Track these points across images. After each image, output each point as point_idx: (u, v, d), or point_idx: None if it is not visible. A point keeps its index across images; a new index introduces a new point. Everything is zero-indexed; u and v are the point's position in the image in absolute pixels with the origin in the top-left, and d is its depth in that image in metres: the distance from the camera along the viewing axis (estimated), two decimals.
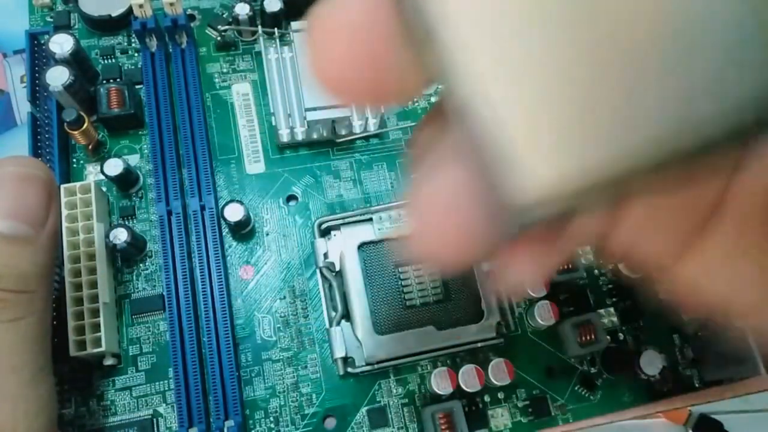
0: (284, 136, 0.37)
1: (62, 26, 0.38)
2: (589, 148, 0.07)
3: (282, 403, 0.32)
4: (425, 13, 0.08)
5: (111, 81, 0.37)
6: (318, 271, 0.34)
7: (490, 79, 0.07)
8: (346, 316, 0.33)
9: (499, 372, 0.33)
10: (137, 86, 0.37)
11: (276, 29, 0.38)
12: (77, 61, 0.35)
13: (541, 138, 0.07)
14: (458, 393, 0.33)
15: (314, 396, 0.33)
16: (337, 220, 0.35)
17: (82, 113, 0.34)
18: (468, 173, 0.08)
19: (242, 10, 0.38)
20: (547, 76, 0.07)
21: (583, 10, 0.07)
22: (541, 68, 0.07)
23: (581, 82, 0.07)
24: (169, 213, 0.33)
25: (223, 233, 0.35)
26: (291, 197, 0.37)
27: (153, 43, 0.37)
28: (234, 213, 0.33)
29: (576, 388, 0.34)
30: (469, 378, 0.32)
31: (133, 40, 0.39)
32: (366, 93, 0.10)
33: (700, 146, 0.07)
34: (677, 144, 0.07)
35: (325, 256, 0.34)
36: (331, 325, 0.33)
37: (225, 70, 0.39)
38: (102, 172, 0.33)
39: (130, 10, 0.37)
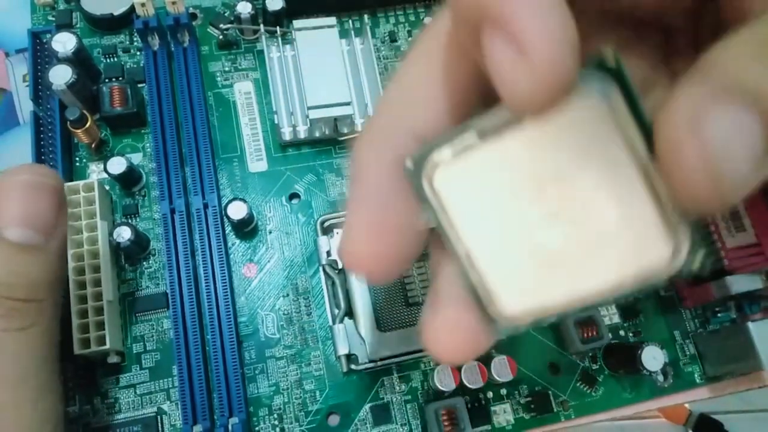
0: (287, 134, 0.37)
1: (64, 25, 0.38)
2: (537, 298, 0.12)
3: (286, 401, 0.32)
4: (432, 213, 0.13)
5: (113, 80, 0.37)
6: (321, 268, 0.34)
7: (475, 259, 0.12)
8: (349, 313, 0.33)
9: (501, 368, 0.33)
10: (140, 85, 0.37)
11: (278, 27, 0.39)
12: (80, 59, 0.35)
13: (508, 288, 0.12)
14: (461, 389, 0.33)
15: (318, 393, 0.33)
16: (339, 217, 0.35)
17: (85, 112, 0.34)
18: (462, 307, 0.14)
19: (244, 8, 0.38)
20: (516, 252, 0.12)
21: (544, 209, 0.11)
22: (512, 248, 0.12)
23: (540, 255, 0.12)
24: (172, 211, 0.34)
25: (226, 231, 0.35)
26: (293, 195, 0.37)
27: (155, 42, 0.37)
28: (237, 211, 0.33)
29: (578, 385, 0.35)
30: (471, 374, 0.32)
31: (135, 39, 0.39)
32: (382, 274, 0.14)
33: (615, 299, 0.12)
34: (599, 300, 0.12)
35: (328, 253, 0.34)
36: (334, 323, 0.33)
37: (227, 69, 0.39)
38: (105, 170, 0.33)
39: (132, 9, 0.37)
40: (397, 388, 0.33)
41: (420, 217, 0.13)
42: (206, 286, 0.33)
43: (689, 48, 0.16)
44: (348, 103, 0.36)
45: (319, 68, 0.37)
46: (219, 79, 0.39)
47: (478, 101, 0.14)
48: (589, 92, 0.10)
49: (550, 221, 0.11)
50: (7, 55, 0.40)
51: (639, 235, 0.11)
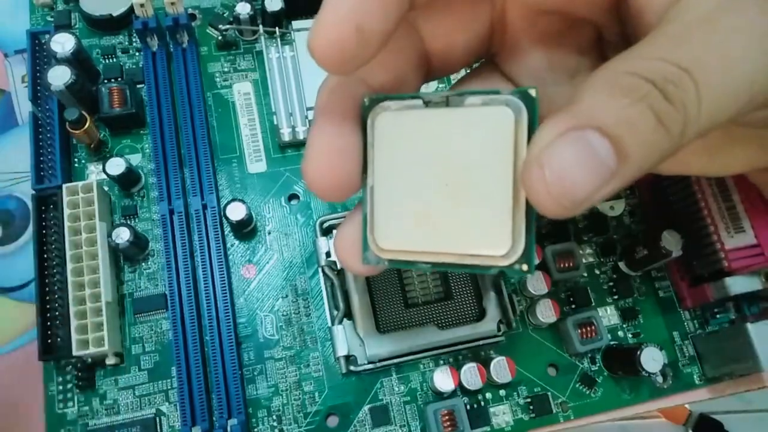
0: (286, 135, 0.37)
1: (63, 26, 0.38)
2: (402, 243, 0.16)
3: (285, 402, 0.32)
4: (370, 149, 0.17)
5: (112, 80, 0.37)
6: (320, 269, 0.34)
7: (375, 193, 0.16)
8: (348, 314, 0.33)
9: (500, 370, 0.33)
10: (139, 86, 0.37)
11: (277, 28, 0.39)
12: (79, 60, 0.35)
13: (386, 226, 0.16)
14: (460, 391, 0.33)
15: (317, 394, 0.33)
16: (338, 218, 0.35)
17: (84, 113, 0.34)
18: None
19: (243, 9, 0.38)
20: (402, 199, 0.16)
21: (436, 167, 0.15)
22: (401, 193, 0.16)
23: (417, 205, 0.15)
24: (171, 212, 0.34)
25: (225, 232, 0.35)
26: (293, 196, 0.37)
27: (154, 43, 0.37)
28: (236, 212, 0.33)
29: (577, 386, 0.35)
30: (470, 376, 0.32)
31: (134, 40, 0.39)
32: (336, 188, 0.18)
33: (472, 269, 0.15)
34: (443, 265, 0.15)
35: (327, 254, 0.34)
36: (333, 324, 0.33)
37: (226, 70, 0.39)
38: (104, 171, 0.33)
39: (131, 10, 0.37)
40: (396, 389, 0.33)
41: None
42: (205, 287, 0.33)
43: (619, 40, 0.19)
44: None
45: (318, 69, 0.36)
46: (218, 79, 0.39)
47: (416, 74, 0.19)
48: (510, 104, 0.14)
49: (440, 190, 0.15)
50: (5, 55, 0.40)
51: (490, 229, 0.14)
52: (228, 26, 0.39)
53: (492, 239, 0.14)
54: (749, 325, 0.32)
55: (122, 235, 0.32)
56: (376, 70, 0.18)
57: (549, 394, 0.34)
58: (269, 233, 0.36)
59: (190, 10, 0.40)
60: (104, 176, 0.34)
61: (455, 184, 0.15)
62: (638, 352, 0.32)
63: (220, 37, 0.39)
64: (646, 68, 0.13)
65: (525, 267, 0.14)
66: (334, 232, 0.34)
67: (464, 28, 0.19)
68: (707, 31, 0.13)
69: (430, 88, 0.37)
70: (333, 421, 0.32)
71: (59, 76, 0.33)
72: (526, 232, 0.14)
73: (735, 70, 0.13)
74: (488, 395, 0.34)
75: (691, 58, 0.13)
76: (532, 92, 0.14)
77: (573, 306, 0.36)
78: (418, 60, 0.19)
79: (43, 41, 0.36)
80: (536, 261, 0.15)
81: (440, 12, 0.19)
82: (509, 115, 0.14)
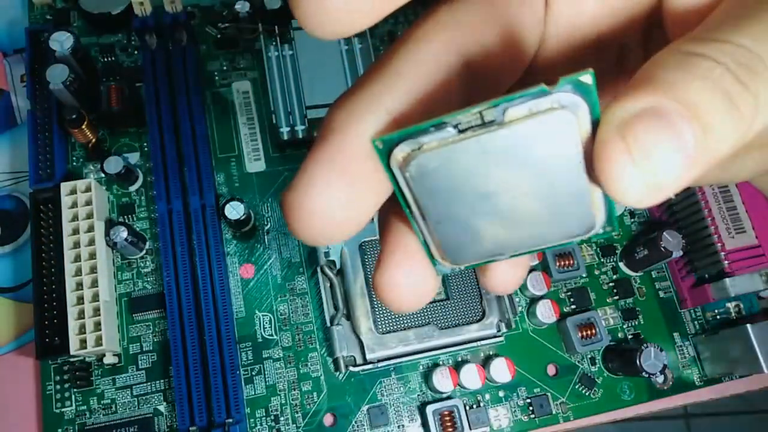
0: (285, 134, 0.37)
1: (62, 24, 0.38)
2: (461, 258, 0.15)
3: (283, 402, 0.32)
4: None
5: (111, 79, 0.37)
6: (319, 269, 0.34)
7: (434, 228, 0.14)
8: (347, 314, 0.33)
9: (500, 370, 0.33)
10: (137, 84, 0.37)
11: (276, 27, 0.38)
12: (77, 59, 0.34)
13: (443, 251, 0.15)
14: (459, 391, 0.33)
15: (315, 394, 0.33)
16: None
17: (83, 111, 0.34)
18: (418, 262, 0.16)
19: (243, 7, 0.38)
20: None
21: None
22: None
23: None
24: (170, 211, 0.33)
25: (224, 231, 0.35)
26: None
27: (153, 41, 0.37)
28: (234, 211, 0.33)
29: (577, 387, 0.34)
30: (470, 376, 0.32)
31: (133, 38, 0.39)
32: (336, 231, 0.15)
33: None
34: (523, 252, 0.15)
35: (326, 254, 0.34)
36: (331, 324, 0.33)
37: (225, 68, 0.39)
38: (102, 170, 0.33)
39: (129, 8, 0.37)
40: (395, 389, 0.33)
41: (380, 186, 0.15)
42: (203, 286, 0.32)
43: (642, 60, 0.17)
44: None
45: (318, 68, 0.36)
46: (217, 78, 0.38)
47: (458, 100, 0.15)
48: (563, 102, 0.12)
49: (506, 214, 0.14)
50: (4, 54, 0.39)
51: (571, 212, 0.13)
52: (227, 25, 0.39)
53: (577, 223, 0.14)
54: (749, 326, 0.32)
55: (120, 234, 0.32)
56: (408, 92, 0.14)
57: (549, 394, 0.34)
58: (268, 232, 0.35)
59: (189, 9, 0.39)
60: (102, 175, 0.34)
61: (525, 194, 0.13)
62: (638, 353, 0.32)
63: (219, 36, 0.39)
64: (716, 50, 0.12)
65: (609, 228, 0.14)
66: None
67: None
68: None
69: None
70: (331, 421, 0.32)
71: (58, 75, 0.32)
72: (605, 198, 0.13)
73: None
74: (487, 396, 0.34)
75: (759, 39, 0.12)
76: (587, 78, 0.12)
77: (573, 306, 0.36)
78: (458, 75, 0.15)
79: (42, 39, 0.36)
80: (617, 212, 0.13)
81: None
82: (569, 119, 0.12)
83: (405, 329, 0.33)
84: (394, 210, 0.16)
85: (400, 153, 0.13)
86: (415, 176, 0.13)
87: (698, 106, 0.12)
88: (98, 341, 0.30)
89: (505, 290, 0.17)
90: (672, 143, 0.12)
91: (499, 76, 0.17)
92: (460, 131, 0.13)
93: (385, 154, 0.13)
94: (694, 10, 0.15)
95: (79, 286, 0.31)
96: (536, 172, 0.13)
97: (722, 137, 0.12)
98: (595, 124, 0.12)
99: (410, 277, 0.16)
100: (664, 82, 0.12)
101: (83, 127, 0.34)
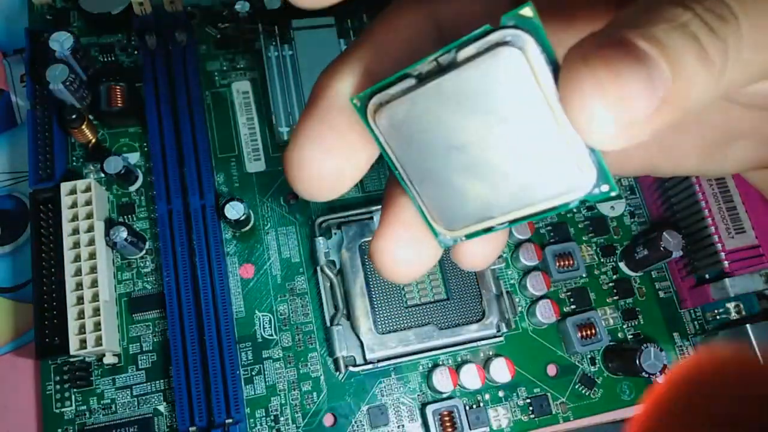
0: (285, 134, 0.36)
1: (62, 24, 0.38)
2: (456, 224, 0.15)
3: (282, 402, 0.32)
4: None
5: (111, 79, 0.36)
6: (319, 269, 0.34)
7: (417, 183, 0.15)
8: (347, 314, 0.33)
9: (499, 370, 0.33)
10: (137, 84, 0.37)
11: (276, 27, 0.38)
12: (77, 58, 0.34)
13: (451, 213, 0.15)
14: (459, 391, 0.33)
15: (315, 394, 0.33)
16: (337, 218, 0.35)
17: (82, 111, 0.34)
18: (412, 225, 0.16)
19: (242, 7, 0.38)
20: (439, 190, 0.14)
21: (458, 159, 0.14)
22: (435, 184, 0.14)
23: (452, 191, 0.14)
24: (170, 211, 0.33)
25: (224, 231, 0.35)
26: (291, 196, 0.36)
27: (153, 41, 0.37)
28: (234, 211, 0.33)
29: (577, 387, 0.34)
30: (469, 376, 0.32)
31: (133, 38, 0.38)
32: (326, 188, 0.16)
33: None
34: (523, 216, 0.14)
35: (326, 254, 0.34)
36: (331, 324, 0.33)
37: (225, 68, 0.39)
38: (102, 170, 0.33)
39: (129, 8, 0.37)
40: (395, 389, 0.33)
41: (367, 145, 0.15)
42: (203, 286, 0.32)
43: None
44: None
45: (318, 68, 0.36)
46: (217, 78, 0.38)
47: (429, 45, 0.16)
48: (509, 38, 0.12)
49: (483, 157, 0.13)
50: (4, 55, 0.39)
51: (554, 170, 0.13)
52: (227, 25, 0.39)
53: (560, 179, 0.13)
54: (749, 326, 0.32)
55: (120, 234, 0.32)
56: (387, 53, 0.16)
57: (548, 394, 0.34)
58: (267, 233, 0.35)
59: (189, 9, 0.39)
60: (102, 175, 0.34)
61: (495, 146, 0.13)
62: (638, 353, 0.32)
63: (219, 36, 0.39)
64: None
65: (605, 187, 0.13)
66: (335, 231, 0.34)
67: None
68: None
69: None
70: (331, 421, 0.32)
71: (58, 75, 0.32)
72: (590, 152, 0.13)
73: None
74: (487, 396, 0.34)
75: None
76: (527, 11, 0.12)
77: (573, 306, 0.36)
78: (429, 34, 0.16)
79: (41, 40, 0.36)
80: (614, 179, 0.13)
81: None
82: (515, 54, 0.12)
83: (405, 329, 0.33)
84: (395, 181, 0.16)
85: (372, 107, 0.14)
86: (387, 128, 0.14)
87: (666, 45, 0.12)
88: (98, 341, 0.30)
89: (473, 266, 0.17)
90: (640, 76, 0.11)
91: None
92: (420, 79, 0.13)
93: (363, 110, 0.14)
94: None
95: (79, 286, 0.31)
96: (498, 118, 0.13)
97: (693, 82, 0.12)
98: (554, 63, 0.12)
99: (405, 248, 0.16)
100: (633, 22, 0.12)
101: (83, 127, 0.34)
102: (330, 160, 0.15)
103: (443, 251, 0.17)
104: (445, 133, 0.13)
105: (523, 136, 0.13)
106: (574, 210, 0.38)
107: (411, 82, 0.13)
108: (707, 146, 0.19)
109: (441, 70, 0.13)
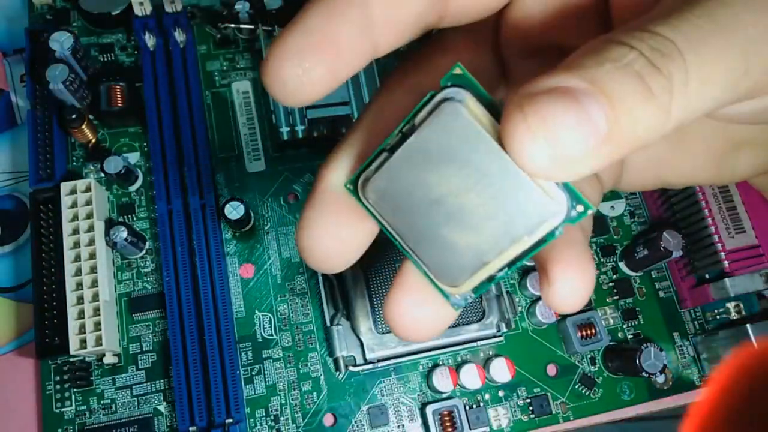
0: (285, 134, 0.37)
1: (62, 24, 0.38)
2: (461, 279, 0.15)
3: (282, 402, 0.32)
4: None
5: (111, 79, 0.36)
6: None
7: (416, 248, 0.16)
8: (347, 314, 0.33)
9: (500, 370, 0.33)
10: (137, 84, 0.37)
11: (276, 26, 0.38)
12: (77, 58, 0.34)
13: (451, 269, 0.15)
14: (459, 391, 0.33)
15: (315, 394, 0.33)
16: None
17: (82, 111, 0.34)
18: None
19: (242, 7, 0.38)
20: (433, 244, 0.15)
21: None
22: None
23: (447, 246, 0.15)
24: (170, 211, 0.33)
25: (224, 231, 0.35)
26: (291, 195, 0.36)
27: (153, 41, 0.37)
28: (234, 211, 0.33)
29: (577, 387, 0.34)
30: (470, 376, 0.32)
31: (132, 38, 0.39)
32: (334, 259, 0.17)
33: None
34: (512, 258, 0.15)
35: None
36: (331, 324, 0.33)
37: (225, 68, 0.39)
38: (102, 170, 0.33)
39: (129, 8, 0.37)
40: (395, 389, 0.33)
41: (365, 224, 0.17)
42: (203, 286, 0.32)
43: None
44: (346, 103, 0.36)
45: None
46: (217, 78, 0.38)
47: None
48: (450, 95, 0.14)
49: (464, 207, 0.14)
50: (4, 55, 0.39)
51: (521, 199, 0.14)
52: (227, 24, 0.39)
53: (536, 209, 0.14)
54: (749, 326, 0.32)
55: (120, 234, 0.32)
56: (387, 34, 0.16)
57: (548, 394, 0.34)
58: (267, 232, 0.35)
59: (189, 9, 0.39)
60: (102, 175, 0.34)
61: (467, 191, 0.14)
62: (638, 353, 0.32)
63: (219, 36, 0.39)
64: (633, 37, 0.13)
65: (580, 208, 0.14)
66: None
67: None
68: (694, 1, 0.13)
69: None
70: (331, 421, 0.32)
71: (57, 75, 0.32)
72: (557, 183, 0.14)
73: (722, 39, 0.13)
74: (487, 396, 0.34)
75: (676, 28, 0.13)
76: (457, 71, 0.14)
77: None
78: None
79: (41, 39, 0.36)
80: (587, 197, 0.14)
81: None
82: (457, 106, 0.14)
83: None
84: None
85: (360, 186, 0.15)
86: (375, 200, 0.15)
87: (607, 85, 0.12)
88: (98, 341, 0.30)
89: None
90: (574, 116, 0.12)
91: None
92: (391, 151, 0.15)
93: (355, 191, 0.16)
94: (634, 3, 0.16)
95: (79, 286, 0.31)
96: (461, 165, 0.14)
97: (637, 119, 0.12)
98: (494, 106, 0.14)
99: (416, 310, 0.17)
100: (577, 65, 0.13)
101: (83, 127, 0.34)
102: (334, 240, 0.17)
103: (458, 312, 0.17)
104: (422, 191, 0.15)
105: (489, 177, 0.14)
106: None
107: (385, 155, 0.15)
108: (718, 156, 0.19)
109: (405, 138, 0.14)
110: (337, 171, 0.17)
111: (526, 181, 0.13)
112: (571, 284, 0.16)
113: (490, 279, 0.15)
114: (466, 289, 0.16)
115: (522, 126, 0.12)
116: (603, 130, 0.12)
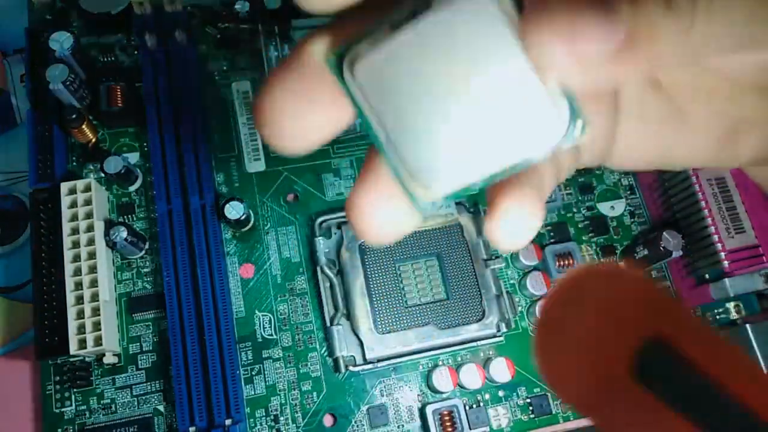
0: None
1: (62, 24, 0.38)
2: (448, 175, 0.14)
3: (282, 402, 0.32)
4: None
5: (111, 78, 0.36)
6: (318, 269, 0.34)
7: (393, 142, 0.14)
8: (347, 314, 0.33)
9: (500, 370, 0.33)
10: (137, 84, 0.37)
11: (276, 26, 0.38)
12: (77, 58, 0.34)
13: (422, 168, 0.14)
14: (459, 391, 0.33)
15: (315, 394, 0.33)
16: (337, 218, 0.35)
17: (82, 111, 0.34)
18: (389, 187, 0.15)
19: (242, 7, 0.38)
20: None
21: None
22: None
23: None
24: (170, 211, 0.33)
25: (224, 231, 0.35)
26: (291, 195, 0.36)
27: (153, 41, 0.37)
28: (234, 211, 0.33)
29: None
30: (469, 376, 0.32)
31: (133, 38, 0.38)
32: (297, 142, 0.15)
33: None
34: (500, 169, 0.14)
35: (326, 254, 0.34)
36: (331, 324, 0.33)
37: (225, 68, 0.39)
38: (102, 170, 0.33)
39: (129, 8, 0.37)
40: (395, 389, 0.33)
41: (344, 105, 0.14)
42: (203, 286, 0.32)
43: None
44: None
45: None
46: (217, 78, 0.38)
47: None
48: None
49: (459, 106, 0.13)
50: (4, 55, 0.39)
51: (525, 106, 0.13)
52: (227, 24, 0.39)
53: (532, 116, 0.13)
54: (749, 326, 0.32)
55: (120, 234, 0.32)
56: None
57: (548, 394, 0.34)
58: (267, 233, 0.35)
59: (189, 8, 0.39)
60: (102, 175, 0.34)
61: (471, 90, 0.13)
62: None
63: (218, 36, 0.39)
64: None
65: (579, 124, 0.13)
66: (335, 231, 0.34)
67: None
68: None
69: None
70: (331, 421, 0.32)
71: (57, 75, 0.32)
72: (564, 95, 0.13)
73: None
74: (487, 396, 0.34)
75: None
76: None
77: None
78: None
79: (41, 39, 0.36)
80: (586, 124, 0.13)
81: None
82: (485, 1, 0.12)
83: (405, 329, 0.33)
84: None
85: (347, 62, 0.14)
86: (364, 81, 0.14)
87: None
88: (98, 341, 0.30)
89: (513, 242, 0.16)
90: (596, 16, 0.12)
91: None
92: (395, 27, 0.13)
93: (339, 67, 0.14)
94: None
95: (79, 286, 0.31)
96: (472, 59, 0.13)
97: (657, 26, 0.12)
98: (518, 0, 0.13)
99: (385, 203, 0.15)
100: None
101: (83, 127, 0.34)
102: (293, 119, 0.15)
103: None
104: (420, 79, 0.13)
105: (498, 78, 0.13)
106: (574, 210, 0.38)
107: (386, 32, 0.13)
108: (720, 136, 0.19)
109: (414, 16, 0.13)
110: (319, 45, 0.15)
111: (535, 86, 0.13)
112: (514, 222, 0.16)
113: (465, 189, 0.14)
114: (437, 193, 0.14)
115: (545, 17, 0.12)
116: (621, 35, 0.12)
